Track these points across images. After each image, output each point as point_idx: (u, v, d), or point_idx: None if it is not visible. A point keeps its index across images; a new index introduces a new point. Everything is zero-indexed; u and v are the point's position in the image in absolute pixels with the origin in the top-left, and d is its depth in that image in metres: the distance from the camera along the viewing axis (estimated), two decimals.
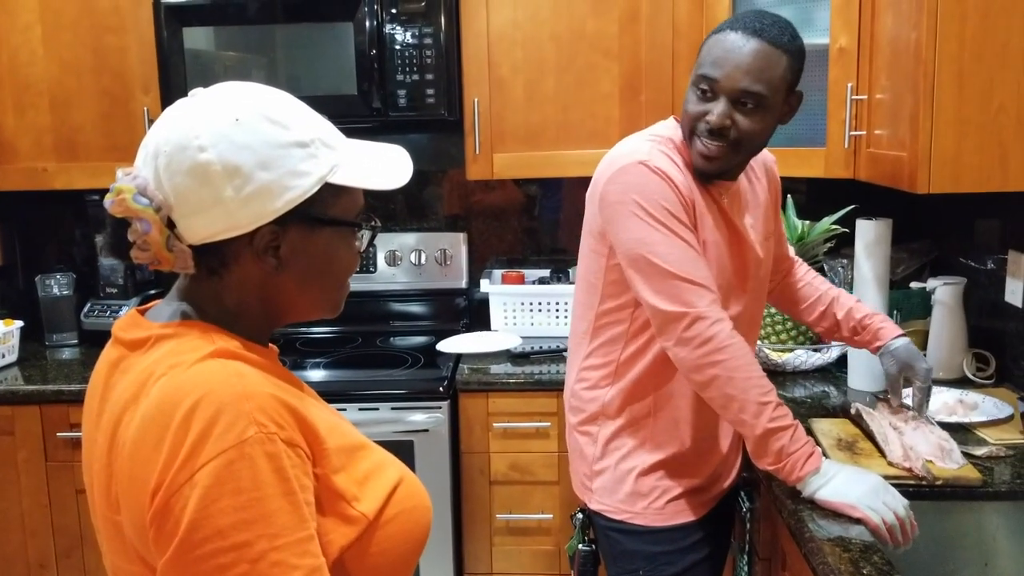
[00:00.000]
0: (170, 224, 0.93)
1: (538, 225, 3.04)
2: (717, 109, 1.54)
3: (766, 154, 1.81)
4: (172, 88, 2.58)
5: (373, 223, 1.05)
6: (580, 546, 1.83)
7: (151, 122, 2.62)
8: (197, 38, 2.58)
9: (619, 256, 1.60)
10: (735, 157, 1.59)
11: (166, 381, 0.89)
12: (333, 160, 0.97)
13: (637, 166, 1.57)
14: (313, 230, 0.97)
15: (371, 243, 1.06)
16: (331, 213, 0.98)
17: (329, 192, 0.97)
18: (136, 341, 0.97)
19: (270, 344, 1.06)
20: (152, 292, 2.93)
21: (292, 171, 0.93)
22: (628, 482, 1.70)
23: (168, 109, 0.97)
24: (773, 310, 2.36)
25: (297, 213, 0.95)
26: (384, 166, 1.02)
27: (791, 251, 1.99)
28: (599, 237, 1.65)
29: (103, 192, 0.95)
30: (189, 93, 0.97)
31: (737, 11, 2.44)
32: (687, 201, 1.58)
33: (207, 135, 0.91)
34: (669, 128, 1.67)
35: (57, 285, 2.88)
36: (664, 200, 1.55)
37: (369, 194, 1.03)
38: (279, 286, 0.99)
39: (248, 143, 0.92)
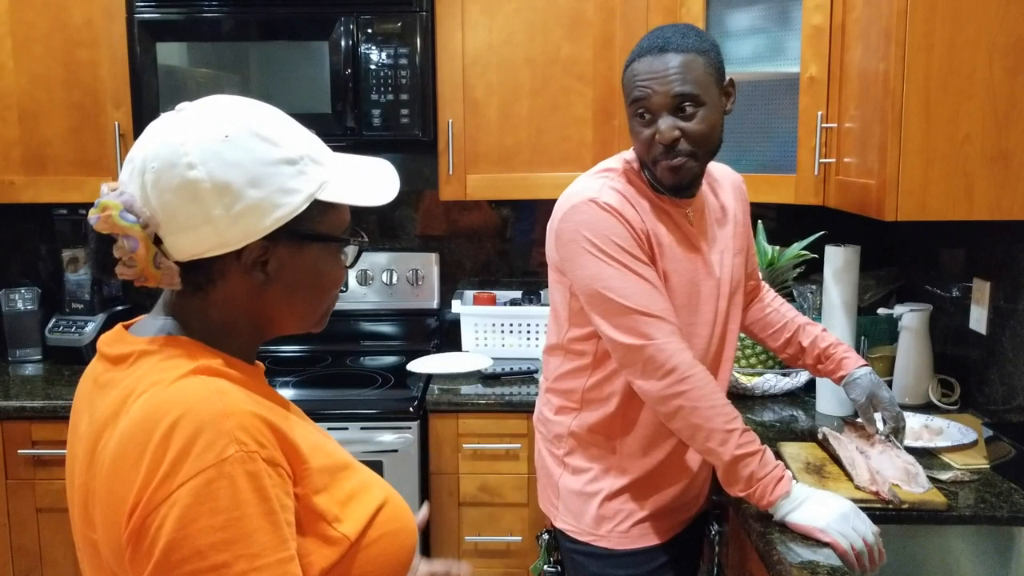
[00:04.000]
0: (156, 240, 0.91)
1: (511, 246, 3.05)
2: (663, 125, 1.56)
3: (733, 174, 1.83)
4: (144, 103, 2.56)
5: (361, 238, 1.04)
6: (545, 567, 1.83)
7: (122, 137, 2.61)
8: (171, 54, 2.57)
9: (577, 293, 1.63)
10: (699, 162, 1.61)
11: (147, 399, 0.88)
12: (322, 177, 0.96)
13: (587, 203, 1.59)
14: (302, 246, 0.97)
15: (358, 258, 1.05)
16: (319, 229, 0.98)
17: (317, 208, 0.96)
18: (119, 356, 0.95)
19: (257, 362, 1.04)
20: (119, 308, 2.89)
21: (282, 188, 0.93)
22: (593, 505, 1.70)
23: (155, 122, 0.95)
24: (741, 334, 2.38)
25: (286, 230, 0.94)
26: (371, 182, 1.02)
27: (759, 275, 2.01)
28: (559, 270, 1.68)
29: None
30: (176, 107, 0.96)
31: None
32: (639, 235, 1.59)
33: (196, 152, 0.90)
34: (622, 160, 1.68)
35: (21, 300, 2.83)
36: (615, 236, 1.57)
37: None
38: (265, 301, 0.98)
39: (238, 160, 0.91)
